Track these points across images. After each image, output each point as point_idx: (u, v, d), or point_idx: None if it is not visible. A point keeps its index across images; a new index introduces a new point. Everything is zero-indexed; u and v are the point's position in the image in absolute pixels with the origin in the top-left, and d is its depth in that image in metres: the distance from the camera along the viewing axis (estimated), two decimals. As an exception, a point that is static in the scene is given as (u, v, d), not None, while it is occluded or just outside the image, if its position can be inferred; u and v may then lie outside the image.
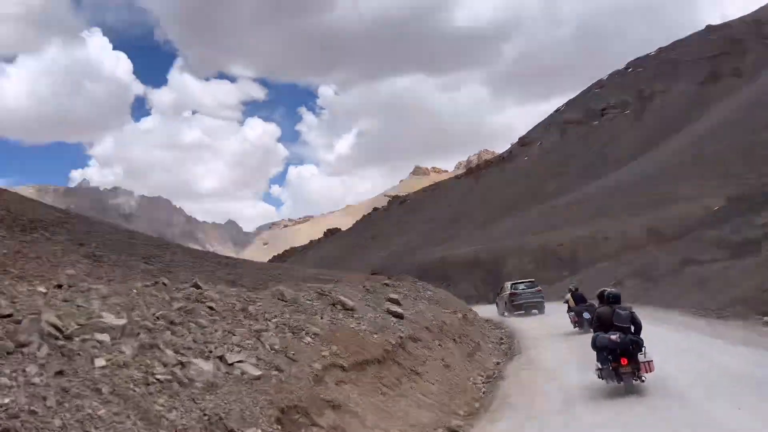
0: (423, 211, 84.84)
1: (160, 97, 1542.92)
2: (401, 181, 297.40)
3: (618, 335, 8.45)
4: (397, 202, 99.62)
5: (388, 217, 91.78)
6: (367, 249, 68.46)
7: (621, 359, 8.39)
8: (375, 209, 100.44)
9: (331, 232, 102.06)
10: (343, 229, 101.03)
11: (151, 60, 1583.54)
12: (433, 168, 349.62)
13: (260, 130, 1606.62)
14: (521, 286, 27.26)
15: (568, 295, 18.72)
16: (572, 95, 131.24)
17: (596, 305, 18.23)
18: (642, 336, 8.73)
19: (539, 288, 27.28)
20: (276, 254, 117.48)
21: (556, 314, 20.53)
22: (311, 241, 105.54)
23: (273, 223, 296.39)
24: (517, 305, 26.09)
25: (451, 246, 45.68)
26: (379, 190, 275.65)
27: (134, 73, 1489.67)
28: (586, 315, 16.77)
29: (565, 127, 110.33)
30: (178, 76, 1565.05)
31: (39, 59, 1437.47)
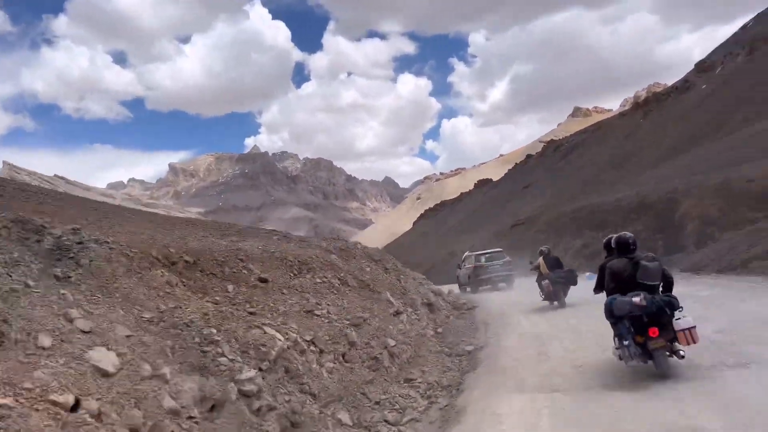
0: (582, 155, 77.82)
1: (317, 61, 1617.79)
2: (559, 124, 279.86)
3: (642, 296, 6.03)
4: (552, 147, 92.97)
5: (543, 164, 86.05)
6: (519, 199, 64.52)
7: (649, 329, 6.03)
8: (528, 156, 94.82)
9: (482, 184, 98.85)
10: (495, 179, 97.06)
11: (307, 26, 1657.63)
12: (595, 108, 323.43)
13: (412, 86, 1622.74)
14: (486, 257, 23.77)
15: (539, 259, 14.61)
16: (762, 8, 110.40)
17: (568, 270, 14.53)
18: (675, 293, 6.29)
19: (508, 259, 23.50)
20: (428, 208, 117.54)
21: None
22: (461, 194, 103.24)
23: (425, 177, 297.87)
24: (483, 279, 22.86)
25: (613, 191, 40.46)
26: (535, 137, 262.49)
27: (292, 40, 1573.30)
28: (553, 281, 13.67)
29: (755, 46, 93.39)
30: (332, 39, 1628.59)
31: (209, 36, 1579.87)
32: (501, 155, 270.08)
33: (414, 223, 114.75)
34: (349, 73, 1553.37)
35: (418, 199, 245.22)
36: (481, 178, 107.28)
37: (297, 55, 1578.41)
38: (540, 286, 14.47)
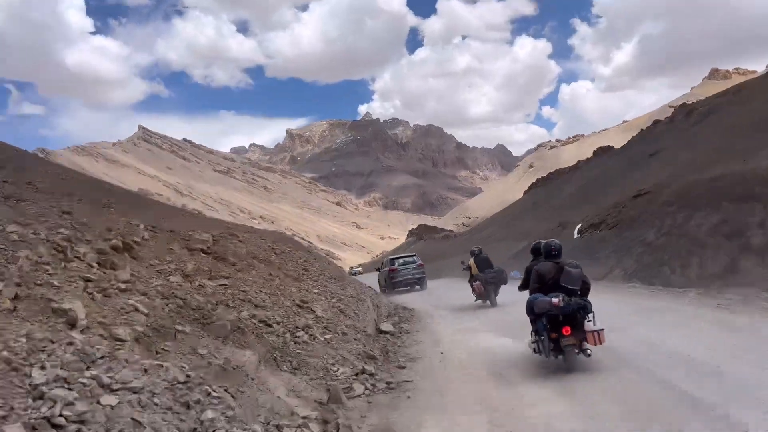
0: (718, 119, 69.86)
1: (431, 26, 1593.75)
2: (692, 88, 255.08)
3: (561, 297, 6.71)
4: (684, 111, 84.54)
5: (672, 130, 78.63)
6: (644, 167, 59.41)
7: (563, 328, 6.70)
8: (656, 122, 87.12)
9: (602, 151, 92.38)
10: (616, 147, 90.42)
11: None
12: (735, 69, 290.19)
13: (530, 48, 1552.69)
14: (400, 261, 25.66)
15: (471, 260, 14.99)
16: None
17: (497, 270, 14.81)
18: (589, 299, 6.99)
19: (421, 263, 25.43)
20: (541, 177, 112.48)
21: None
22: (578, 162, 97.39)
23: (539, 145, 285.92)
24: (397, 282, 24.25)
25: (756, 159, 35.54)
26: (664, 102, 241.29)
27: (407, 5, 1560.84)
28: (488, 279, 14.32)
29: None
30: (446, 2, 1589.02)
31: (327, 3, 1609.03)
32: (625, 121, 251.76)
33: (525, 192, 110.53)
34: (464, 37, 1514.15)
35: (531, 167, 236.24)
36: (602, 145, 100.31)
37: (411, 20, 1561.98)
38: (471, 286, 14.82)
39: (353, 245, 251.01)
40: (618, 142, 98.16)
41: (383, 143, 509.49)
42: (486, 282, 14.30)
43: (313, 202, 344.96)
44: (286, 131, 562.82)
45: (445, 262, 53.63)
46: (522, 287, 8.04)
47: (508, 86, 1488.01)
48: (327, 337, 8.04)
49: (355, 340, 8.63)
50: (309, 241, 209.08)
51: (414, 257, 26.40)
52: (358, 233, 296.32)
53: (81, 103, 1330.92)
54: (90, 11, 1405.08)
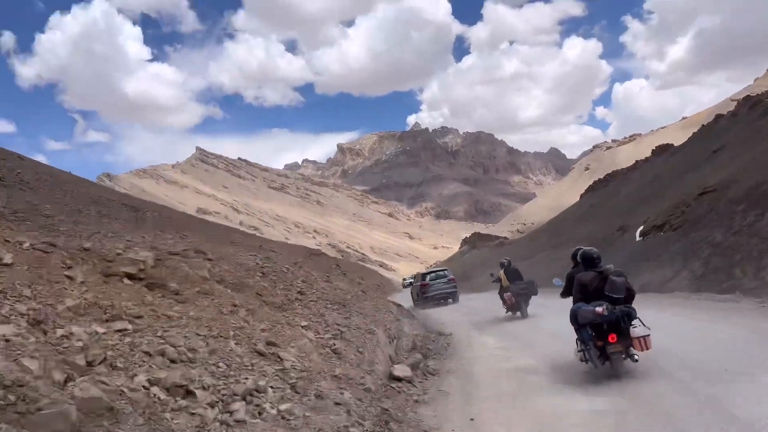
0: (788, 111, 66.27)
1: (477, 33, 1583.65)
2: (756, 79, 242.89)
3: (605, 306, 6.71)
4: (748, 104, 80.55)
5: (736, 125, 74.92)
6: (708, 165, 56.89)
7: (609, 335, 6.67)
8: (717, 117, 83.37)
9: (662, 150, 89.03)
10: (676, 144, 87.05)
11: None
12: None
13: (579, 49, 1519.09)
14: (432, 276, 25.89)
15: (500, 272, 15.07)
16: None
17: (528, 281, 14.92)
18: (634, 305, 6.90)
19: (452, 277, 25.68)
20: (597, 179, 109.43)
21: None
22: (636, 162, 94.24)
23: (594, 146, 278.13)
24: (429, 297, 24.20)
25: (834, 151, 33.86)
26: (724, 97, 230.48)
27: (452, 14, 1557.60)
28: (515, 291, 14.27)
29: None
30: (492, 8, 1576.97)
31: (372, 18, 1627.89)
32: (684, 118, 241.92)
33: (581, 196, 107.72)
34: (511, 42, 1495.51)
35: (587, 169, 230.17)
36: (660, 144, 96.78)
37: (457, 28, 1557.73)
38: (502, 298, 14.73)
39: (407, 256, 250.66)
40: (677, 139, 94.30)
41: (433, 152, 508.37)
42: (517, 294, 14.29)
43: (365, 215, 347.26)
44: (337, 145, 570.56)
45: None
46: (564, 294, 8.12)
47: (558, 89, 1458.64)
48: (285, 407, 4.98)
49: (338, 405, 5.46)
50: (363, 253, 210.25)
51: (446, 271, 26.71)
52: (411, 244, 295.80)
53: (141, 129, 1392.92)
54: (147, 40, 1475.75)
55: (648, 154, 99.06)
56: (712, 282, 13.88)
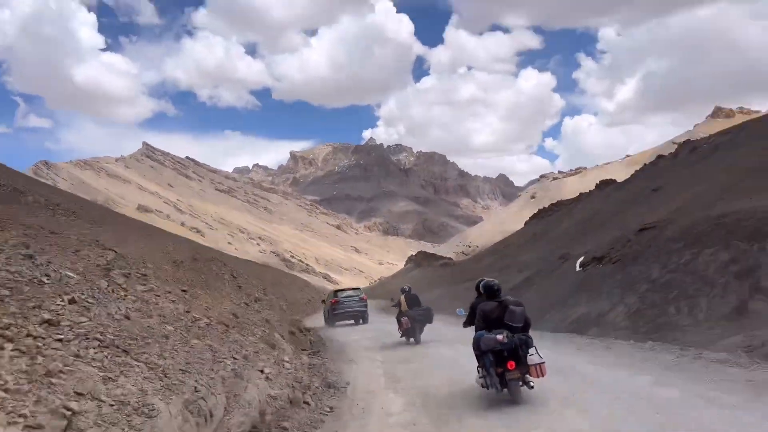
0: (722, 157, 69.63)
1: (437, 55, 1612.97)
2: (696, 125, 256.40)
3: (505, 334, 7.16)
4: (688, 148, 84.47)
5: (676, 166, 78.44)
6: (647, 202, 59.05)
7: (508, 362, 7.12)
8: (659, 157, 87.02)
9: (605, 184, 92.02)
10: (619, 180, 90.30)
11: (429, 19, 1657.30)
12: (740, 108, 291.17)
13: (534, 81, 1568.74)
14: (344, 294, 26.22)
15: (401, 297, 15.52)
16: None
17: (425, 308, 15.47)
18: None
19: (364, 296, 26.17)
20: (542, 207, 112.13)
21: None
22: (580, 194, 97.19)
23: (542, 176, 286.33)
24: (339, 314, 24.69)
25: (762, 198, 35.28)
26: (667, 138, 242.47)
27: (415, 34, 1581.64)
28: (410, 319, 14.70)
29: None
30: (453, 33, 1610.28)
31: (335, 29, 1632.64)
32: (627, 156, 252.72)
33: (525, 223, 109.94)
34: (469, 68, 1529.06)
35: (533, 197, 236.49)
36: (604, 179, 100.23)
37: (418, 48, 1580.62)
38: (399, 322, 15.12)
39: (352, 269, 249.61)
40: (621, 176, 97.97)
41: (386, 169, 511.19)
42: (413, 319, 14.70)
43: (313, 225, 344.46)
44: (290, 153, 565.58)
45: (441, 291, 52.73)
46: (466, 324, 8.55)
47: (511, 117, 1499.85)
48: None
49: None
50: (307, 264, 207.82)
51: (358, 290, 27.60)
52: (357, 258, 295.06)
53: (88, 119, 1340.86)
54: (102, 28, 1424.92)
55: (592, 187, 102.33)
56: (646, 317, 13.92)
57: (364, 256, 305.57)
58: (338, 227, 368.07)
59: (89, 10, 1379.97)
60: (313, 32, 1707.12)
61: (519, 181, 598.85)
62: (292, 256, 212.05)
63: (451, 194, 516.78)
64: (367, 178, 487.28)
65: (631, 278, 17.02)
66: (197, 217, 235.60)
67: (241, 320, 11.07)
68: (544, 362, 7.05)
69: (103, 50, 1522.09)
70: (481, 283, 8.10)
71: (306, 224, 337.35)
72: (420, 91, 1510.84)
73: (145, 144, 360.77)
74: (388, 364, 12.22)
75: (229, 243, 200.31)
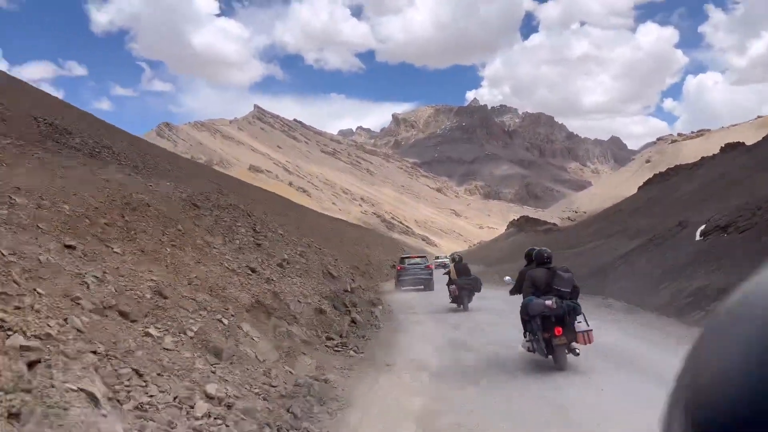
0: None
1: (547, 11, 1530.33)
2: None
3: (554, 300, 7.16)
4: (836, 106, 74.61)
5: (820, 127, 70.09)
6: (782, 168, 53.45)
7: (555, 328, 7.08)
8: (799, 117, 77.98)
9: (731, 147, 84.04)
10: (748, 143, 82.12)
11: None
12: None
13: (655, 36, 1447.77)
14: (411, 261, 26.13)
15: (451, 266, 16.46)
16: None
17: (473, 278, 15.81)
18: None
19: (429, 264, 26.38)
20: (658, 172, 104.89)
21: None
22: (702, 158, 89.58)
23: (659, 138, 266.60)
24: (404, 281, 24.80)
25: None
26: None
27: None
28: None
29: None
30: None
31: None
32: (759, 117, 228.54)
33: (639, 188, 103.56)
34: (582, 23, 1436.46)
35: (648, 162, 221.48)
36: (730, 142, 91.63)
37: (527, 4, 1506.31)
38: (449, 289, 16.00)
39: (451, 233, 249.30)
40: (750, 139, 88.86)
41: (489, 130, 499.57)
42: (461, 287, 15.41)
43: (413, 187, 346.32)
44: (392, 115, 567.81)
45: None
46: (513, 291, 8.53)
47: (627, 76, 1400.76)
48: None
49: None
50: (407, 226, 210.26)
51: (424, 258, 27.72)
52: (457, 221, 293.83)
53: (204, 83, 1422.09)
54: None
55: (716, 150, 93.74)
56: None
57: (463, 220, 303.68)
58: (438, 190, 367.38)
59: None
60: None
61: (633, 144, 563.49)
62: (393, 218, 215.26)
63: (558, 157, 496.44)
64: (469, 140, 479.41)
65: (764, 249, 15.49)
66: (303, 178, 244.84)
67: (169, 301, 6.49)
68: (591, 330, 7.16)
69: (218, 15, 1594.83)
70: (533, 251, 8.17)
71: (406, 186, 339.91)
72: (527, 49, 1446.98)
73: (256, 107, 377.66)
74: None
75: (333, 203, 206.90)
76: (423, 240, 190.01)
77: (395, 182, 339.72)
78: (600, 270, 31.16)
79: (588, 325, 7.22)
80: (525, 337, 7.85)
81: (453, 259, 17.05)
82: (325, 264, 17.15)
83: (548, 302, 7.16)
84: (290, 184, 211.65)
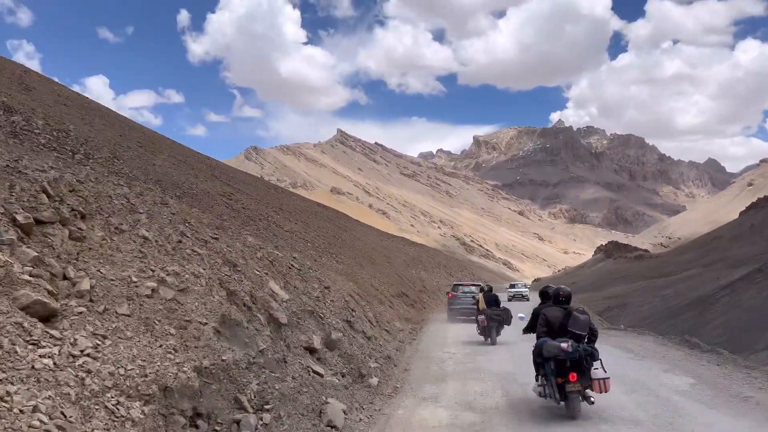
0: None
1: (637, 29, 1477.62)
2: None
3: (570, 343, 6.69)
4: None
5: None
6: None
7: (570, 374, 6.63)
8: None
9: None
10: None
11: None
12: None
13: (755, 53, 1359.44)
14: (463, 290, 23.24)
15: (479, 295, 15.63)
16: None
17: (503, 309, 15.00)
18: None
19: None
20: (763, 196, 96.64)
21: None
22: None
23: (762, 160, 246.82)
24: (453, 310, 22.18)
25: None
26: None
27: (612, 8, 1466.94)
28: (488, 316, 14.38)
29: None
30: (656, 3, 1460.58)
31: (525, 9, 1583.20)
32: None
33: (741, 213, 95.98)
34: (675, 41, 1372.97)
35: (750, 185, 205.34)
36: None
37: (615, 23, 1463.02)
38: (476, 320, 15.08)
39: (534, 257, 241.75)
40: None
41: (574, 152, 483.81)
42: (490, 318, 14.47)
43: (494, 210, 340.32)
44: (473, 137, 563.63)
45: (633, 286, 48.21)
46: (527, 330, 7.92)
47: (725, 95, 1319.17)
48: None
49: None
50: (487, 249, 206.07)
51: (479, 285, 24.08)
52: (540, 245, 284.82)
53: (290, 109, 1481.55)
54: (304, 23, 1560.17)
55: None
56: None
57: (547, 244, 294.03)
58: (520, 213, 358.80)
59: (294, 6, 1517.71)
60: (501, 14, 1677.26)
61: (732, 167, 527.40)
62: (472, 241, 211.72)
63: (650, 180, 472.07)
64: (553, 163, 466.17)
65: None
66: (383, 200, 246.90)
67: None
68: (609, 378, 6.74)
69: (305, 44, 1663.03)
70: (549, 288, 7.77)
71: (487, 209, 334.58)
72: (615, 69, 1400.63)
73: (339, 131, 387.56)
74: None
75: (411, 225, 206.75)
76: (504, 264, 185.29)
77: (475, 205, 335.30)
78: (698, 301, 28.49)
79: (605, 372, 6.75)
80: (537, 381, 7.42)
81: (482, 289, 16.57)
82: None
83: (564, 345, 6.73)
84: (370, 206, 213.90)
